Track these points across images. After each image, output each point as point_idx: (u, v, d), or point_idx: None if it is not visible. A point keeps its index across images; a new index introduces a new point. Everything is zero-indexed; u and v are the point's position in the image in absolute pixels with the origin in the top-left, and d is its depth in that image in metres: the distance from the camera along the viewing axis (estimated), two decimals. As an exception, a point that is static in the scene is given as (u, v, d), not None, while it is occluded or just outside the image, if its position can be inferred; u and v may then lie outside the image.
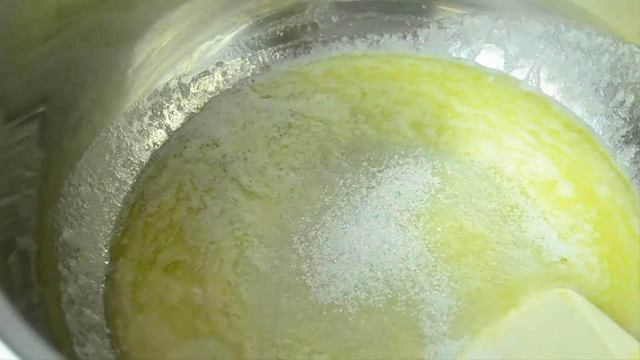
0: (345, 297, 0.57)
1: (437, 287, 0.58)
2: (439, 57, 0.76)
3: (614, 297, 0.58)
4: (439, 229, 0.62)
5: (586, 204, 0.64)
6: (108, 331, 0.56)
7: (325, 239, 0.61)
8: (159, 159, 0.67)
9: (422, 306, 0.57)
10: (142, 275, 0.59)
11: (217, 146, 0.68)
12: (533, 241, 0.61)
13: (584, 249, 0.61)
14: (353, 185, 0.65)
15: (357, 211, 0.63)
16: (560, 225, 0.62)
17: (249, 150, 0.68)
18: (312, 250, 0.60)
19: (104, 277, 0.59)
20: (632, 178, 0.66)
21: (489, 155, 0.67)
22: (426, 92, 0.72)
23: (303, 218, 0.62)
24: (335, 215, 0.63)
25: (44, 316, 0.50)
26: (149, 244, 0.61)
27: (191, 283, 0.59)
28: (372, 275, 0.59)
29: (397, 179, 0.65)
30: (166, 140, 0.68)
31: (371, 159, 0.67)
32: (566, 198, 0.64)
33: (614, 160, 0.67)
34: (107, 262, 0.60)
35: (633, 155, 0.67)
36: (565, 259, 0.60)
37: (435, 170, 0.66)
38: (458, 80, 0.74)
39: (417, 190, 0.64)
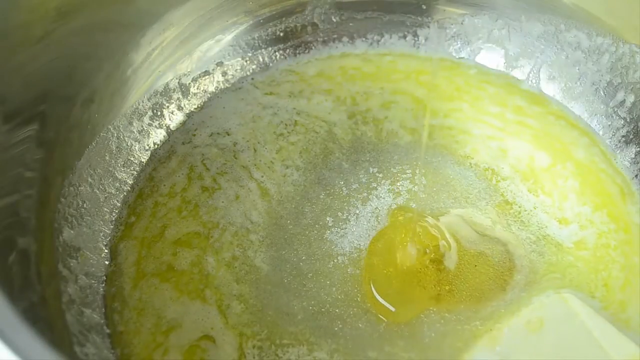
0: (345, 298, 0.57)
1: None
2: (439, 56, 0.76)
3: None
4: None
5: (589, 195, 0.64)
6: (108, 331, 0.56)
7: (325, 240, 0.61)
8: (167, 147, 0.68)
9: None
10: (147, 247, 0.60)
11: (228, 134, 0.69)
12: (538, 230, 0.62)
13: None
14: (353, 186, 0.65)
15: (357, 212, 0.63)
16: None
17: (258, 143, 0.68)
18: (312, 251, 0.60)
19: (104, 277, 0.59)
20: (633, 178, 0.66)
21: (482, 154, 0.68)
22: (404, 89, 0.73)
23: (304, 219, 0.63)
24: (336, 216, 0.63)
25: (44, 316, 0.50)
26: (158, 220, 0.62)
27: (205, 251, 0.60)
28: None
29: (397, 180, 0.65)
30: (172, 132, 0.69)
31: (371, 160, 0.67)
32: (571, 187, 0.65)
33: (615, 160, 0.67)
34: (107, 262, 0.60)
35: (633, 155, 0.67)
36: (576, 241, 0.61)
37: (433, 171, 0.66)
38: (430, 72, 0.74)
39: (417, 191, 0.64)
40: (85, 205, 0.61)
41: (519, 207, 0.63)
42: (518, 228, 0.62)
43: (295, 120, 0.70)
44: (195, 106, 0.71)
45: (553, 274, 0.59)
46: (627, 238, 0.61)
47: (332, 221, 0.62)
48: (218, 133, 0.69)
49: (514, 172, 0.66)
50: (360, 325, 0.56)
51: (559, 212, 0.63)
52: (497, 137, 0.69)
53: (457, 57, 0.76)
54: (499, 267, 0.59)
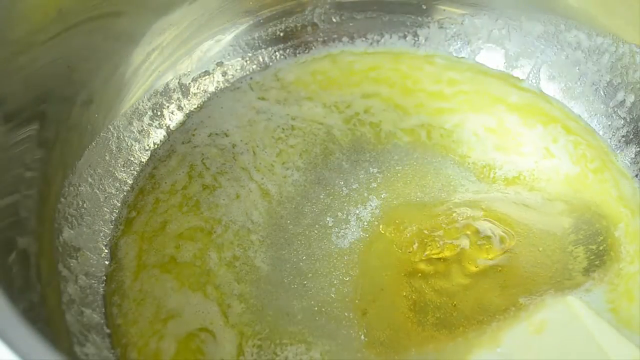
0: (345, 298, 0.57)
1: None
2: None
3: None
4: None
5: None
6: (108, 331, 0.56)
7: (325, 240, 0.61)
8: (167, 147, 0.68)
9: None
10: (148, 241, 0.61)
11: (226, 136, 0.69)
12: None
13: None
14: (353, 186, 0.65)
15: (357, 212, 0.63)
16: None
17: (257, 146, 0.68)
18: (312, 251, 0.60)
19: (104, 277, 0.59)
20: (632, 177, 0.66)
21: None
22: (374, 91, 0.73)
23: (304, 219, 0.63)
24: (336, 216, 0.63)
25: (44, 316, 0.50)
26: (159, 216, 0.62)
27: (207, 245, 0.60)
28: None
29: (397, 180, 0.65)
30: (172, 132, 0.69)
31: (371, 160, 0.67)
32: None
33: (616, 159, 0.67)
34: (107, 262, 0.60)
35: (633, 155, 0.67)
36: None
37: (434, 172, 0.66)
38: (381, 67, 0.75)
39: (417, 192, 0.64)
40: (85, 205, 0.61)
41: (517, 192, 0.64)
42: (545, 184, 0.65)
43: (292, 125, 0.70)
44: (195, 106, 0.71)
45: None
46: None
47: (332, 221, 0.62)
48: (217, 134, 0.69)
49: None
50: (360, 326, 0.56)
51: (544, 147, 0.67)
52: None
53: (457, 56, 0.76)
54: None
